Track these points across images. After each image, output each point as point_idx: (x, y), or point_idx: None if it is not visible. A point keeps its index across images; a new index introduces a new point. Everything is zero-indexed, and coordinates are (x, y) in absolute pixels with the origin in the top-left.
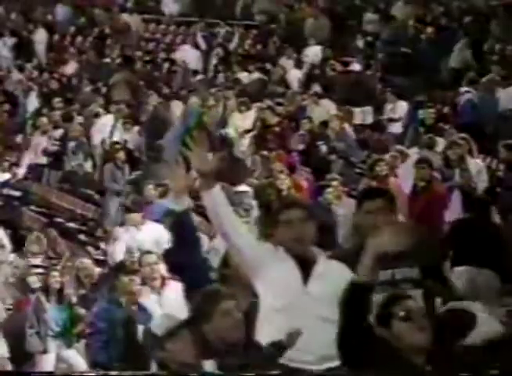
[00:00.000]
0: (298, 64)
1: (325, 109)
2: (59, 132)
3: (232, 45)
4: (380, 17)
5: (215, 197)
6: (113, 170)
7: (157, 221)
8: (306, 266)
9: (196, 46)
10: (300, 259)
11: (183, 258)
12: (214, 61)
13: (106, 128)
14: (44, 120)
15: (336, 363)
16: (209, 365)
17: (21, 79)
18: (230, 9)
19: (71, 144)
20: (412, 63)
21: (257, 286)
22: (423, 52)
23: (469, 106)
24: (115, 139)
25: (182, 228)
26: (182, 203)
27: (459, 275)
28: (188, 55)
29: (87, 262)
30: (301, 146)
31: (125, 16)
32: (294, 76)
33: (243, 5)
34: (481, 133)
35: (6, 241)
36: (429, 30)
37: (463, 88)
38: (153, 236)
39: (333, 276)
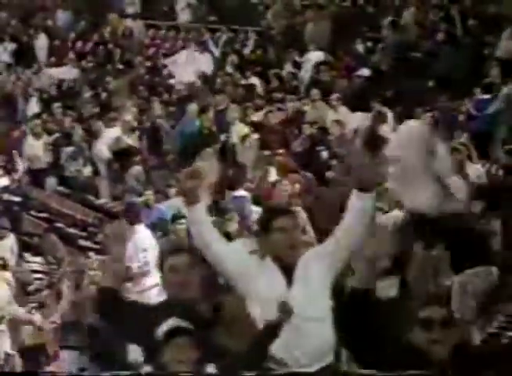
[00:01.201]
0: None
1: (340, 116)
2: (53, 138)
3: (246, 51)
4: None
5: (198, 214)
6: (142, 172)
7: (149, 225)
8: (289, 271)
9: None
10: (284, 266)
11: None
12: (228, 67)
13: (112, 140)
14: (37, 122)
15: (326, 361)
16: (210, 368)
17: (21, 84)
18: (232, 14)
19: (70, 149)
20: (418, 68)
21: (247, 301)
22: (432, 56)
23: (494, 116)
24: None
25: None
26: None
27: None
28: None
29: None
30: (300, 151)
31: (128, 22)
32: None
33: (253, 11)
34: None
35: (15, 249)
36: (440, 35)
37: (485, 96)
38: (134, 242)
39: (311, 270)
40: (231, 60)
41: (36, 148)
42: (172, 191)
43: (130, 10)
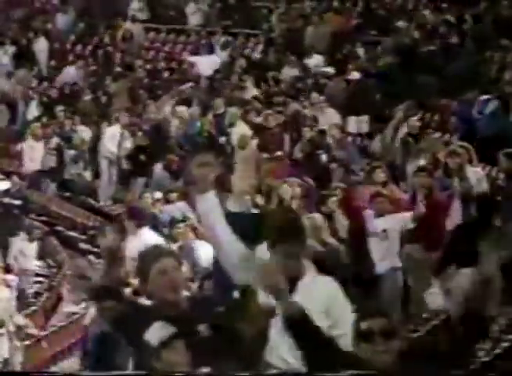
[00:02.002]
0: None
1: (328, 118)
2: (54, 142)
3: (254, 55)
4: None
5: (209, 202)
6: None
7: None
8: (292, 280)
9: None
10: (287, 273)
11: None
12: (237, 70)
13: (115, 138)
14: (37, 125)
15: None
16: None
17: (21, 88)
18: (232, 18)
19: (71, 152)
20: (421, 70)
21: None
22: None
23: (493, 116)
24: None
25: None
26: (243, 204)
27: (462, 276)
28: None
29: None
30: (300, 155)
31: (128, 24)
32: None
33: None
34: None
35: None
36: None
37: (484, 96)
38: (140, 245)
39: (317, 290)
40: (237, 63)
41: (36, 150)
42: (173, 195)
43: (138, 16)
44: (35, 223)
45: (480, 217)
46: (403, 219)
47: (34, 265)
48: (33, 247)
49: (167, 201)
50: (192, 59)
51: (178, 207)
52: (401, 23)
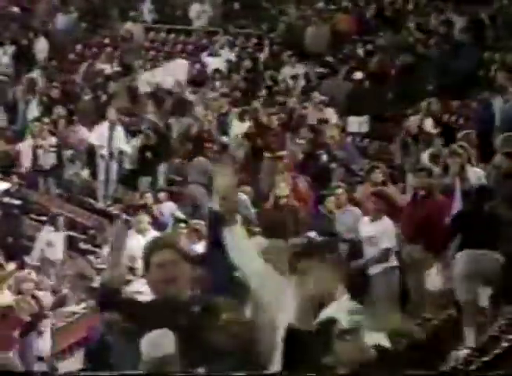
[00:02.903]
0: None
1: (327, 115)
2: (53, 140)
3: (262, 56)
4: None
5: (238, 234)
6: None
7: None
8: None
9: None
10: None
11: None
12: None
13: (103, 134)
14: (37, 124)
15: None
16: (200, 369)
17: (21, 87)
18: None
19: (69, 152)
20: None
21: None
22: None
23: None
24: (121, 145)
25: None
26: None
27: (460, 258)
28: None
29: None
30: (300, 155)
31: (129, 25)
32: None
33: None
34: None
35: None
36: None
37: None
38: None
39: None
40: (242, 64)
41: (36, 150)
42: (162, 195)
43: (148, 17)
44: (58, 211)
45: (477, 205)
46: (388, 230)
47: (62, 255)
48: (60, 237)
49: (157, 201)
50: (207, 59)
51: (168, 207)
52: (408, 24)
